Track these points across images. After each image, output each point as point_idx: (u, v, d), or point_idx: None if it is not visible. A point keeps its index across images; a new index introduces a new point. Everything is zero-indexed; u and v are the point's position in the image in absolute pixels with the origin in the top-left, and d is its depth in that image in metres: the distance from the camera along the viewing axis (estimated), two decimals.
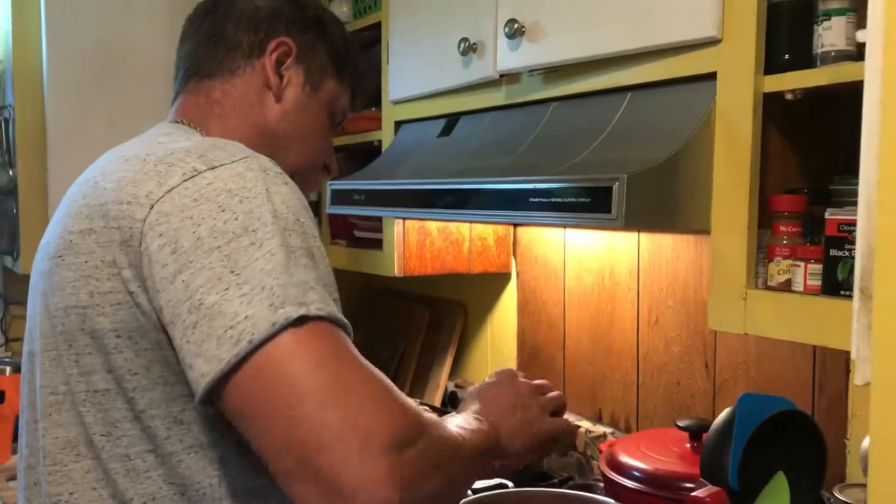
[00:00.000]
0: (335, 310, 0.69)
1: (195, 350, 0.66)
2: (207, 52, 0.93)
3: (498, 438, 0.90)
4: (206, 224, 0.69)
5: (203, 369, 0.66)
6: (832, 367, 1.25)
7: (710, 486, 0.80)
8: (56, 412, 0.78)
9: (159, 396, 0.74)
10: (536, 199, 1.09)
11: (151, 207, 0.72)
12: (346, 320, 0.70)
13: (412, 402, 0.70)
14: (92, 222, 0.75)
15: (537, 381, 1.03)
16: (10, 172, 1.97)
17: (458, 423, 0.84)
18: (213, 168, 0.73)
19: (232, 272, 0.67)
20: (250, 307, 0.65)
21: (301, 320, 0.65)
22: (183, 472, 0.75)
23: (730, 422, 0.87)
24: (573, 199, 1.02)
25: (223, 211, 0.70)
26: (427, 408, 1.84)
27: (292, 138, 0.95)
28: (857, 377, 0.53)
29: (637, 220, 0.98)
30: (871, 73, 0.52)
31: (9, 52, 1.99)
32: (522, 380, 1.02)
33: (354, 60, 1.03)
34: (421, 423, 0.69)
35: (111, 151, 0.86)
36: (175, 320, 0.69)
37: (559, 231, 1.79)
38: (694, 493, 0.77)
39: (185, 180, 0.72)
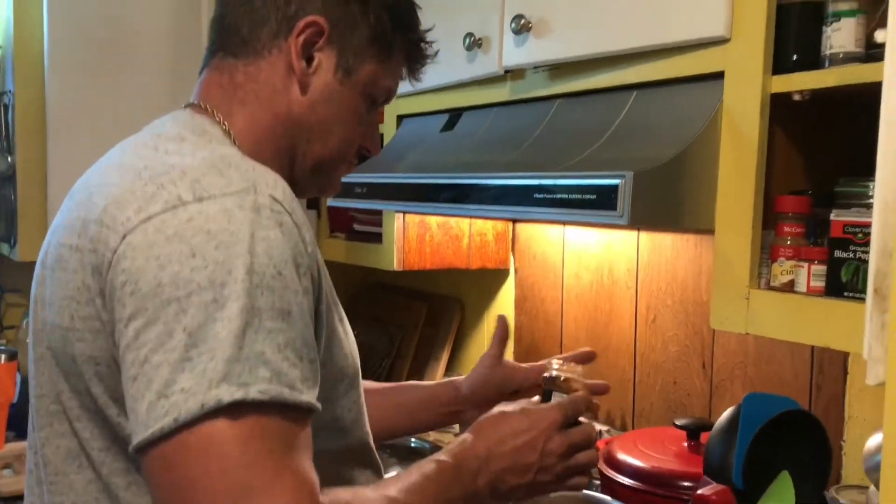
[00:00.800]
0: (291, 386, 0.65)
1: (130, 405, 0.65)
2: (234, 23, 0.84)
3: (484, 495, 0.84)
4: (170, 268, 0.65)
5: (133, 427, 0.65)
6: (829, 369, 1.25)
7: (715, 483, 0.80)
8: (58, 422, 0.77)
9: None
10: (541, 196, 1.09)
11: (124, 237, 0.68)
12: (299, 398, 0.65)
13: None
14: (79, 239, 0.72)
15: (581, 432, 0.90)
16: (9, 158, 1.96)
17: (402, 493, 0.76)
18: (199, 200, 0.67)
19: (184, 330, 0.63)
20: (191, 378, 0.62)
21: (234, 405, 0.62)
22: None
23: (734, 420, 0.87)
24: (578, 196, 1.02)
25: (194, 256, 0.65)
26: None
27: (317, 130, 0.85)
28: (870, 377, 0.53)
29: (642, 219, 0.99)
30: (892, 72, 0.52)
31: (10, 36, 1.97)
32: (559, 435, 0.88)
33: (406, 32, 0.90)
34: None
35: (120, 148, 0.81)
36: (122, 365, 0.67)
37: (558, 228, 1.79)
38: (700, 491, 0.77)
39: (166, 211, 0.67)
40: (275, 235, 0.67)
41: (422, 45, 0.92)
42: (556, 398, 0.97)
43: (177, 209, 0.67)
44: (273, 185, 0.71)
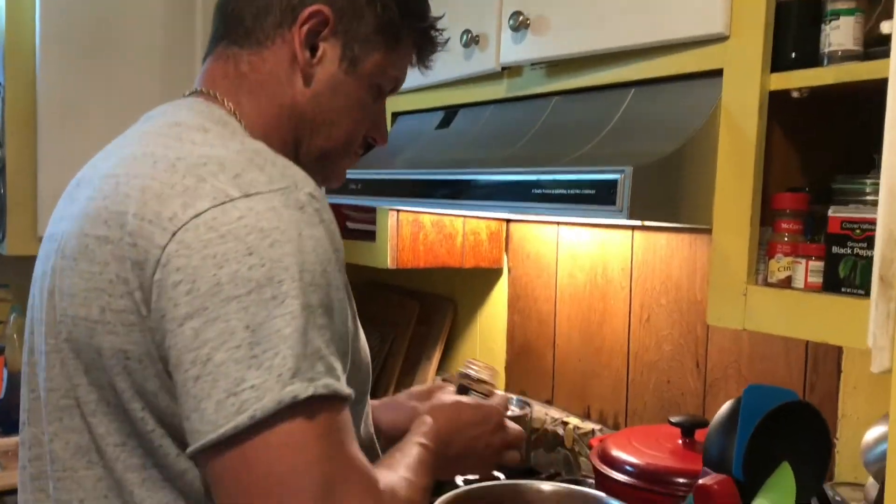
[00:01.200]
0: (339, 379, 0.67)
1: (193, 405, 0.64)
2: (237, 12, 0.83)
3: (440, 471, 0.93)
4: (228, 267, 0.64)
5: (197, 427, 0.63)
6: (823, 367, 1.26)
7: (716, 473, 0.80)
8: (68, 417, 0.75)
9: (168, 418, 0.70)
10: (539, 191, 1.09)
11: (174, 235, 0.66)
12: (347, 390, 0.68)
13: (396, 491, 0.73)
14: (110, 230, 0.70)
15: (515, 433, 1.02)
16: None
17: (411, 474, 0.83)
18: (247, 196, 0.67)
19: (247, 328, 0.63)
20: (258, 374, 0.62)
21: (307, 400, 0.63)
22: (198, 488, 0.72)
23: (734, 413, 0.88)
24: (577, 191, 1.02)
25: (250, 254, 0.64)
26: None
27: (321, 122, 0.84)
28: (875, 365, 0.53)
29: (641, 213, 0.99)
30: None
31: (1, 28, 1.95)
32: (501, 432, 1.01)
33: (415, 20, 0.88)
34: None
35: (134, 136, 0.79)
36: (178, 365, 0.65)
37: (552, 228, 1.79)
38: (701, 481, 0.77)
39: (214, 206, 0.66)
40: (319, 233, 0.69)
41: (432, 32, 0.91)
42: (473, 396, 1.12)
43: (225, 205, 0.66)
44: (306, 181, 0.72)
